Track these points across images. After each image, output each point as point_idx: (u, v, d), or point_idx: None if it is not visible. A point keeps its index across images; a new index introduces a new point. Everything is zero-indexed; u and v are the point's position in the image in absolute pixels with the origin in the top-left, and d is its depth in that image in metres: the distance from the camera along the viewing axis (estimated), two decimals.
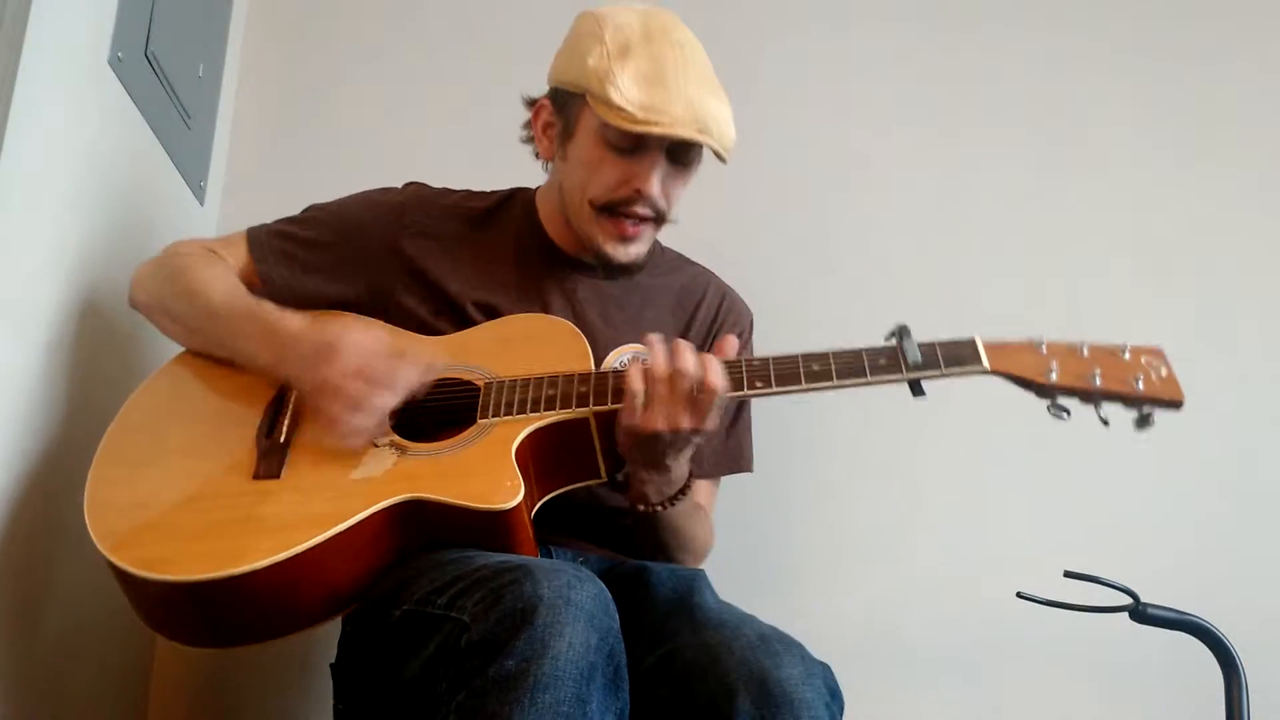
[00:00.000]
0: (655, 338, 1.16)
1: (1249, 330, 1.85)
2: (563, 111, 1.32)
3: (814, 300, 1.83)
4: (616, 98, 1.21)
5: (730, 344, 1.18)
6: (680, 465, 1.21)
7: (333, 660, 1.20)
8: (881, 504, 1.79)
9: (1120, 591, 1.33)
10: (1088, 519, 1.76)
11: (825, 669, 1.06)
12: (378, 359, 1.16)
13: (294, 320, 1.23)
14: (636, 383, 1.13)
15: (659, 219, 1.31)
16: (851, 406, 1.79)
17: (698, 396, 1.12)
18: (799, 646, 1.06)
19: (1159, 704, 1.68)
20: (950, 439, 1.81)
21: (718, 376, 1.12)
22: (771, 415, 1.48)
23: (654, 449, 1.16)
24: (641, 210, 1.28)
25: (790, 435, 1.58)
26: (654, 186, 1.27)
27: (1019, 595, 1.38)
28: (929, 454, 1.81)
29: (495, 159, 1.47)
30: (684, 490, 1.23)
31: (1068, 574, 1.32)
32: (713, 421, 1.14)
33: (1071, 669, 1.70)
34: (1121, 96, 1.96)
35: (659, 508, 1.23)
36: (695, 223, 1.41)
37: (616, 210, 1.29)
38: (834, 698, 1.04)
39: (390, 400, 1.15)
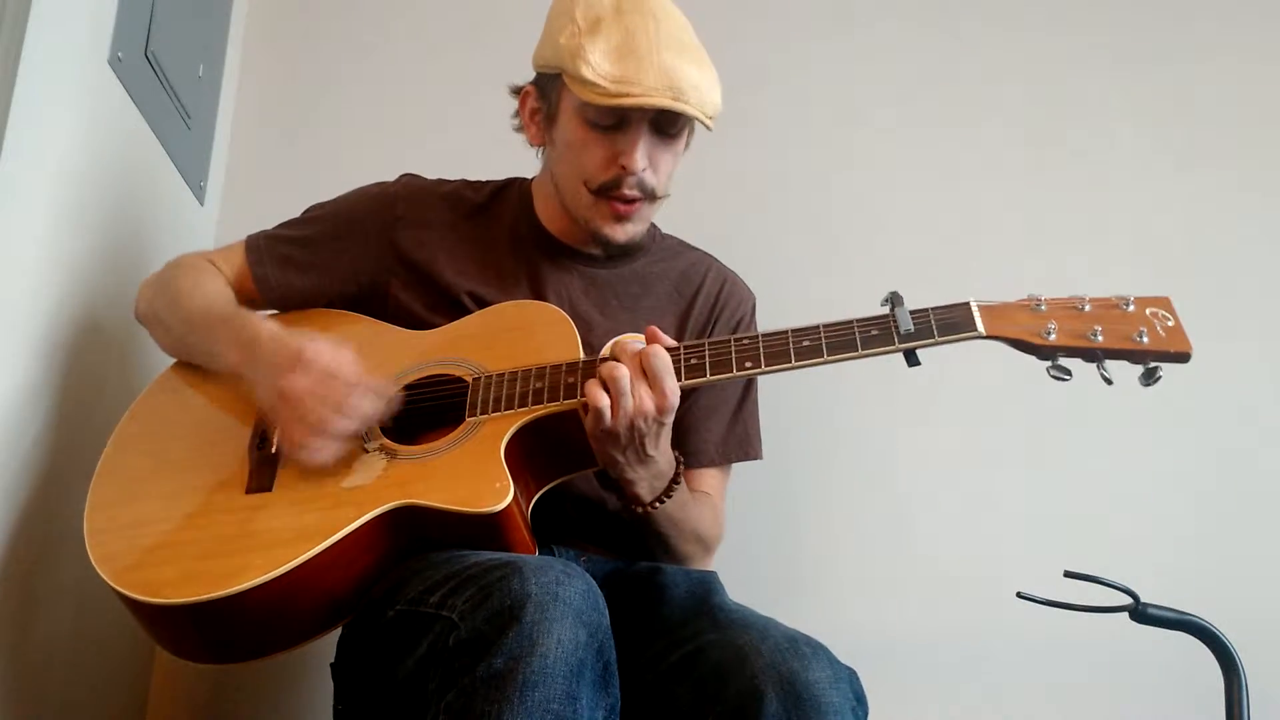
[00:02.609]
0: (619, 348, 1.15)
1: (1248, 329, 1.85)
2: (545, 95, 1.32)
3: (814, 295, 1.83)
4: (588, 73, 1.20)
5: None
6: (663, 453, 1.19)
7: (332, 660, 1.20)
8: (879, 505, 1.79)
9: (1120, 591, 1.33)
10: (1088, 519, 1.75)
11: (852, 674, 1.06)
12: (335, 383, 1.13)
13: (266, 325, 1.21)
14: (602, 398, 1.11)
15: (650, 196, 1.30)
16: (848, 406, 1.80)
17: (647, 366, 1.11)
18: (826, 650, 1.05)
19: (1159, 704, 1.67)
20: (949, 439, 1.81)
21: (658, 335, 1.14)
22: (768, 417, 1.48)
23: (631, 442, 1.14)
24: (630, 191, 1.27)
25: (785, 434, 1.58)
26: (638, 161, 1.25)
27: (1019, 595, 1.37)
28: (927, 455, 1.80)
29: (495, 159, 1.47)
30: (675, 480, 1.22)
31: (1068, 574, 1.32)
32: (673, 393, 1.12)
33: (1071, 669, 1.70)
34: (1121, 93, 1.95)
35: (655, 505, 1.21)
36: (697, 215, 1.40)
37: (609, 192, 1.28)
38: (860, 702, 1.04)
39: (347, 427, 1.14)
